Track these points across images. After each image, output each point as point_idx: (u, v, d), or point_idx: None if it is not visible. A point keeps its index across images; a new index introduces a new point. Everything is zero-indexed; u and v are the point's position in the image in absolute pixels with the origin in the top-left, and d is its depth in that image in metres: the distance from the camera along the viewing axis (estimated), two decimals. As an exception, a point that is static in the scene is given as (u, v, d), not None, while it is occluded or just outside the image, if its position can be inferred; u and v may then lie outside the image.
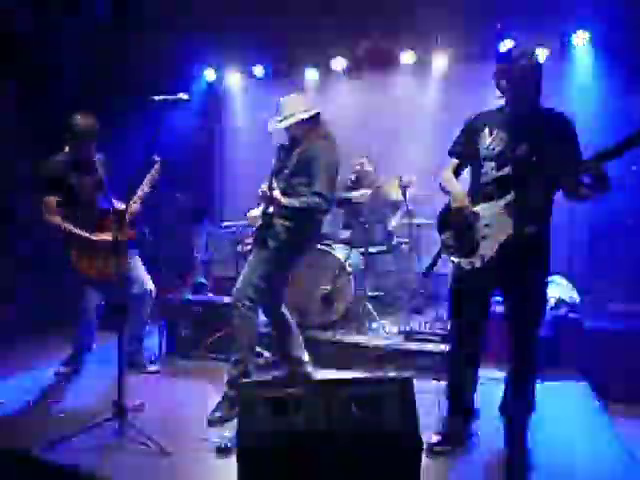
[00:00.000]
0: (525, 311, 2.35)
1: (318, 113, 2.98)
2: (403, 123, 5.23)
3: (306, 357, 3.23)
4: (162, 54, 5.46)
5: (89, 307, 3.41)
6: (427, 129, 5.13)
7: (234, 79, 5.87)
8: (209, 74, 5.91)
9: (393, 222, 4.52)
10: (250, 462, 1.91)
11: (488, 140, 2.36)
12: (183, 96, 2.66)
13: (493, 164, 2.33)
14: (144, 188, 3.25)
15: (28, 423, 2.79)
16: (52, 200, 3.18)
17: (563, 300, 3.66)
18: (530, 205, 2.25)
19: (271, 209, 2.88)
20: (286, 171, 2.89)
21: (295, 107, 2.92)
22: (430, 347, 3.52)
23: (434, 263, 2.62)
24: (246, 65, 5.79)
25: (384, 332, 3.75)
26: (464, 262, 2.37)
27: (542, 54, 4.68)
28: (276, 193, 2.81)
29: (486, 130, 2.39)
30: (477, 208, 2.35)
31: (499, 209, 2.29)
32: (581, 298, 3.76)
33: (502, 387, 2.60)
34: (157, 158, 3.35)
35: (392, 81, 5.31)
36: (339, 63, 5.41)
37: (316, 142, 2.90)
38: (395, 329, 3.81)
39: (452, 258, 2.45)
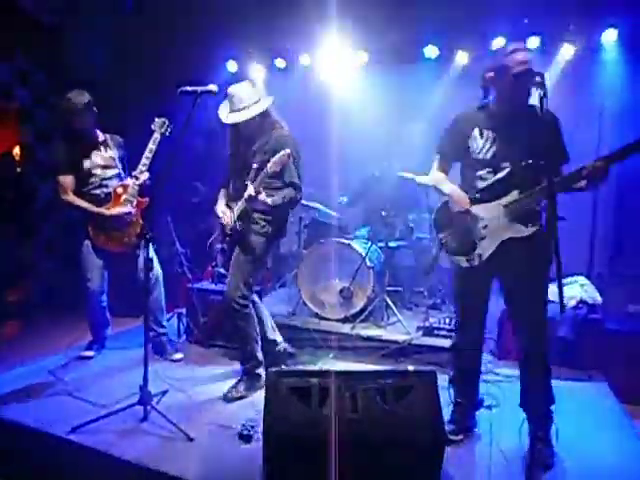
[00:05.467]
0: (529, 304, 2.31)
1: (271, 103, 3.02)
2: (422, 118, 5.20)
3: (280, 337, 3.38)
4: (185, 45, 5.50)
5: (96, 291, 3.45)
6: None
7: (256, 71, 5.87)
8: (231, 66, 5.92)
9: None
10: (276, 450, 1.95)
11: (480, 142, 2.36)
12: (212, 87, 2.68)
13: (489, 168, 2.33)
14: (147, 155, 3.26)
15: (54, 406, 2.84)
16: (65, 179, 3.27)
17: (584, 301, 3.63)
18: (530, 204, 2.25)
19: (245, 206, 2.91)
20: (255, 166, 2.88)
21: (249, 98, 2.93)
22: (449, 343, 3.51)
23: (434, 262, 2.65)
24: (268, 57, 5.79)
25: (403, 327, 3.75)
26: (462, 260, 2.41)
27: (570, 51, 4.65)
28: (263, 197, 2.83)
29: (475, 131, 2.37)
30: (475, 209, 2.37)
31: (498, 211, 2.31)
32: (602, 299, 3.73)
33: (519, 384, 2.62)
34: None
35: (413, 76, 5.27)
36: (360, 57, 5.40)
37: (275, 132, 2.94)
38: (414, 324, 3.81)
39: (451, 256, 2.48)
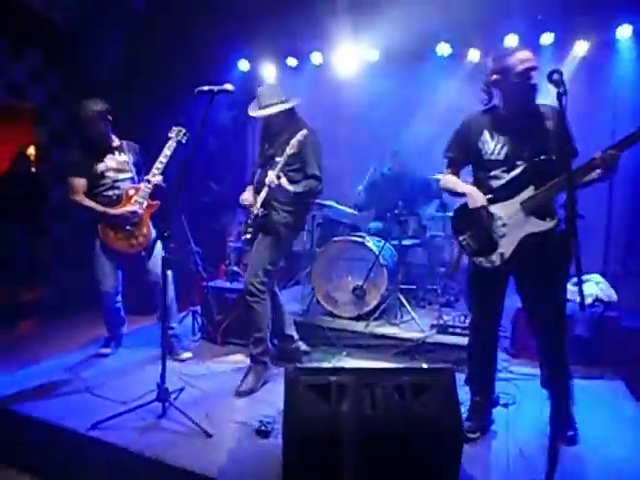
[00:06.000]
0: (548, 303, 2.27)
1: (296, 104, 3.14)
2: (436, 115, 5.18)
3: (296, 334, 3.47)
4: (197, 45, 5.53)
5: (109, 292, 3.48)
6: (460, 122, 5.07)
7: (268, 70, 5.89)
8: (243, 65, 5.95)
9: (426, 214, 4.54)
10: (295, 447, 1.97)
11: (491, 145, 2.38)
12: (228, 87, 2.69)
13: (503, 167, 2.35)
14: (162, 160, 3.31)
15: (73, 402, 2.88)
16: (76, 181, 3.33)
17: (600, 299, 3.62)
18: (547, 200, 2.27)
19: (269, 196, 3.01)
20: (278, 159, 2.99)
21: (276, 96, 3.07)
22: (463, 341, 3.51)
23: (456, 265, 2.66)
24: (279, 56, 5.81)
25: (416, 324, 3.76)
26: (484, 261, 2.41)
27: (584, 47, 4.62)
28: (283, 181, 2.97)
29: (485, 134, 2.40)
30: (492, 208, 2.38)
31: (515, 208, 2.33)
32: (617, 297, 3.71)
33: (536, 382, 2.65)
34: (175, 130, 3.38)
35: (425, 74, 5.26)
36: (371, 55, 5.39)
37: (299, 129, 3.00)
38: (427, 322, 3.81)
39: (472, 258, 2.47)
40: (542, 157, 2.25)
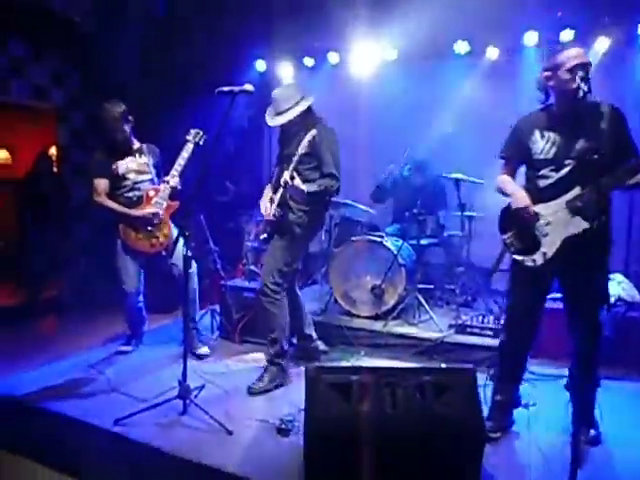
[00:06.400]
0: (589, 297, 2.31)
1: (310, 106, 3.09)
2: (454, 114, 5.15)
3: (315, 334, 3.48)
4: (214, 46, 5.58)
5: (132, 292, 3.53)
6: (478, 121, 5.04)
7: (285, 70, 5.91)
8: (260, 65, 5.97)
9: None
10: (317, 445, 1.98)
11: (541, 144, 2.40)
12: (248, 87, 2.72)
13: (551, 166, 2.37)
14: (180, 162, 3.34)
15: (96, 399, 2.93)
16: (99, 182, 3.40)
17: (622, 298, 3.57)
18: (592, 200, 2.24)
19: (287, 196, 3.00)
20: (294, 158, 2.95)
21: (292, 99, 3.04)
22: (482, 341, 3.51)
23: (499, 262, 2.66)
24: (296, 56, 5.82)
25: (435, 324, 3.74)
26: (527, 259, 2.42)
27: (605, 44, 4.55)
28: (297, 182, 2.92)
29: (536, 133, 2.42)
30: (537, 208, 2.40)
31: (560, 207, 2.34)
32: (640, 296, 3.65)
33: (556, 383, 2.71)
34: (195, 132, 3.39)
35: (444, 71, 5.23)
36: (389, 53, 5.38)
37: (315, 127, 2.98)
38: (445, 322, 3.80)
39: (515, 256, 2.49)
40: (592, 157, 2.22)
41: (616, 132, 2.21)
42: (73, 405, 2.80)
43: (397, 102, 5.19)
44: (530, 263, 2.41)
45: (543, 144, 2.39)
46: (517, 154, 2.53)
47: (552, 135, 2.38)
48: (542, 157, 2.39)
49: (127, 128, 3.40)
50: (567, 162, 2.33)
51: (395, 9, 4.94)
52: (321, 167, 3.03)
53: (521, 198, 2.41)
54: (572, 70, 2.23)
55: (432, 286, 4.32)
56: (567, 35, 4.65)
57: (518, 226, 2.46)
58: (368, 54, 5.44)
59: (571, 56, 2.26)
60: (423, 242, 4.17)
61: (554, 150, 2.36)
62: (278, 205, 3.01)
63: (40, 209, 5.50)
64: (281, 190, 2.99)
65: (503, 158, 2.60)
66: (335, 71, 5.71)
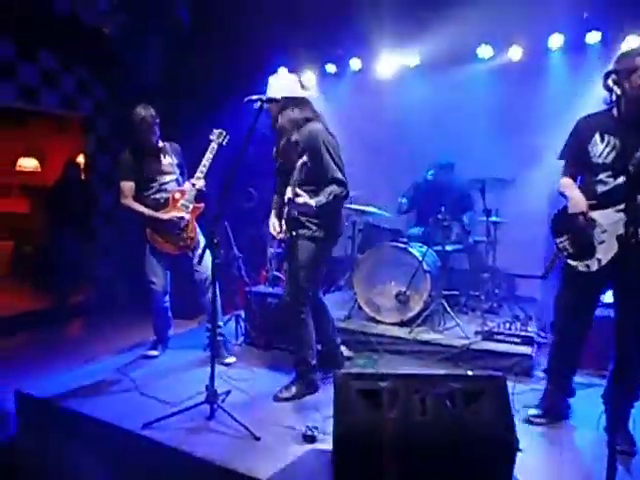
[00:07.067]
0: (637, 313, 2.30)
1: (304, 98, 2.96)
2: (477, 119, 5.11)
3: (339, 339, 3.46)
4: (237, 53, 5.64)
5: (160, 292, 3.58)
6: (500, 125, 4.98)
7: (307, 76, 5.94)
8: (282, 72, 6.01)
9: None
10: (345, 452, 1.97)
11: (600, 147, 2.36)
12: (275, 95, 2.75)
13: (609, 172, 2.33)
14: (205, 163, 3.39)
15: (124, 402, 2.96)
16: (126, 185, 3.45)
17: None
18: None
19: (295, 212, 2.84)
20: (294, 172, 2.73)
21: (279, 85, 2.93)
22: (508, 348, 3.46)
23: (551, 266, 2.69)
24: (319, 63, 5.85)
25: (460, 331, 3.71)
26: (580, 265, 2.42)
27: (634, 44, 4.46)
28: (303, 199, 2.71)
29: (596, 136, 2.37)
30: (594, 214, 2.37)
31: (617, 216, 2.30)
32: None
33: (592, 391, 2.72)
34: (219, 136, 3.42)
35: (468, 76, 5.19)
36: (412, 59, 5.37)
37: (306, 127, 2.83)
38: (471, 328, 3.76)
39: (568, 261, 2.48)
40: None
41: None
42: (101, 407, 2.84)
43: (420, 108, 5.17)
44: (583, 268, 2.40)
45: (603, 147, 2.35)
46: (576, 156, 2.47)
47: (612, 139, 2.33)
48: (600, 161, 2.35)
49: (157, 131, 3.45)
50: (628, 168, 2.27)
51: (417, 15, 4.93)
52: (325, 174, 2.80)
53: (579, 203, 2.38)
54: None
55: (457, 292, 4.28)
56: (594, 37, 4.59)
57: (573, 231, 2.44)
58: (390, 60, 5.44)
59: None
60: (448, 248, 4.14)
61: (613, 155, 2.32)
62: (287, 223, 2.88)
63: (68, 215, 5.63)
64: (286, 209, 2.83)
65: (564, 159, 2.55)
66: (358, 77, 5.72)
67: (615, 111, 2.36)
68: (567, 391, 2.72)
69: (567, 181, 2.52)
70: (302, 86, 3.08)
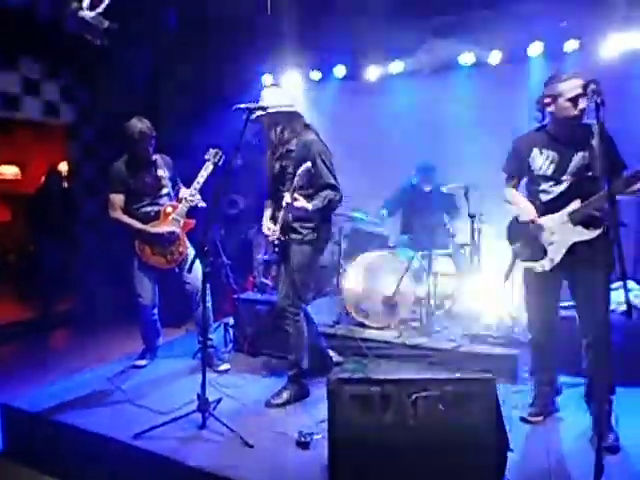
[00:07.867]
0: (595, 299, 2.44)
1: (296, 111, 3.03)
2: (461, 124, 5.19)
3: (327, 345, 3.51)
4: (219, 61, 5.65)
5: (148, 305, 3.57)
6: (485, 130, 5.07)
7: (292, 83, 5.97)
8: (267, 79, 6.03)
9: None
10: (341, 457, 1.99)
11: (540, 161, 2.62)
12: (264, 104, 2.77)
13: (551, 182, 2.60)
14: (199, 180, 3.38)
15: (115, 412, 2.95)
16: (115, 197, 3.42)
17: (634, 306, 3.57)
18: (590, 211, 2.48)
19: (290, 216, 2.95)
20: (288, 175, 2.93)
21: (272, 99, 2.98)
22: (495, 350, 3.52)
23: (510, 270, 2.90)
24: (303, 70, 5.88)
25: (448, 334, 3.76)
26: (537, 266, 2.67)
27: (611, 52, 4.57)
28: (301, 203, 2.85)
29: (535, 151, 2.64)
30: (542, 220, 2.63)
31: (563, 219, 2.56)
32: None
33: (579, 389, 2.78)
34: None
35: (451, 82, 5.28)
36: (396, 66, 5.44)
37: (301, 138, 2.97)
38: (459, 331, 3.81)
39: (525, 264, 2.74)
40: (588, 174, 2.49)
41: (606, 148, 2.33)
42: (91, 418, 2.82)
43: (404, 114, 5.24)
44: (539, 269, 2.65)
45: (542, 161, 2.61)
46: (518, 170, 2.75)
47: (550, 153, 2.59)
48: (542, 173, 2.61)
49: (153, 144, 3.43)
50: (565, 178, 2.55)
51: (400, 23, 5.00)
52: (319, 180, 2.95)
53: (528, 212, 2.65)
54: (573, 100, 2.42)
55: (444, 296, 4.33)
56: (572, 45, 4.70)
57: (525, 236, 2.70)
58: (374, 67, 5.50)
59: (573, 86, 2.41)
60: (434, 252, 4.19)
61: (553, 167, 2.58)
62: (281, 228, 2.97)
63: (49, 223, 5.56)
64: (283, 212, 2.93)
65: (506, 173, 2.82)
66: (342, 84, 5.76)
67: (550, 128, 2.61)
68: (553, 390, 2.86)
69: (512, 191, 2.80)
70: (293, 98, 3.15)
